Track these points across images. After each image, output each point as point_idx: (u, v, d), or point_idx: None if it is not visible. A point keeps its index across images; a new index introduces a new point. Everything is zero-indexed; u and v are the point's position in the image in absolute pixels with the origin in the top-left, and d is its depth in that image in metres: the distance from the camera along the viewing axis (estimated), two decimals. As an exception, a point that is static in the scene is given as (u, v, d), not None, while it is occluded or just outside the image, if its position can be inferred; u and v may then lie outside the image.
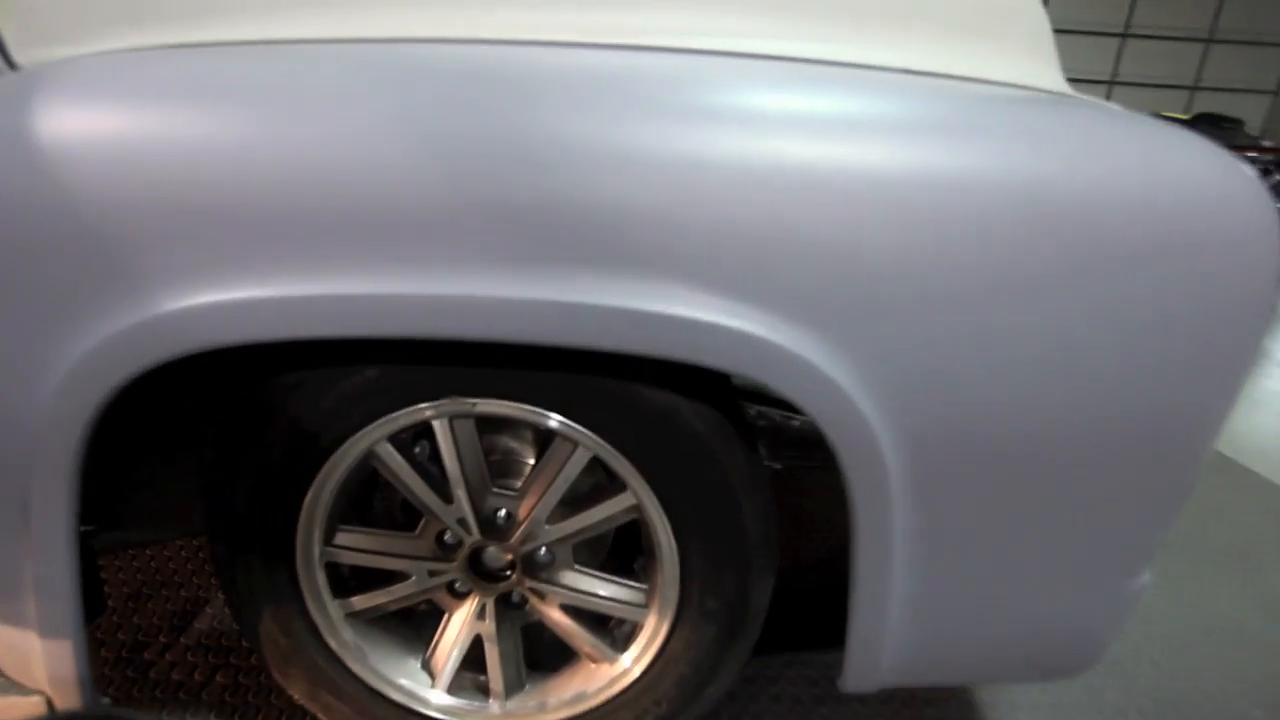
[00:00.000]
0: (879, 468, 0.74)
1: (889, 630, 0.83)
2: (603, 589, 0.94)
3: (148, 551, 1.51)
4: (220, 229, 0.68)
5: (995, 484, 0.76)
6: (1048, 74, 0.87)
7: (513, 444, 1.01)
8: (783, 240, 0.67)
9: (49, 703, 0.92)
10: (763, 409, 1.21)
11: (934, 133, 0.68)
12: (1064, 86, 0.88)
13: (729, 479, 0.84)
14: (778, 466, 1.51)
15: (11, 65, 0.74)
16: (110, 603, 1.38)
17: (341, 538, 0.92)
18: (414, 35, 0.76)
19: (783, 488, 1.82)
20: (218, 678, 1.21)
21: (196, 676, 1.22)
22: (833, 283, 0.68)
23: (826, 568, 1.52)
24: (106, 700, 0.95)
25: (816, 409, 0.71)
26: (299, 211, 0.67)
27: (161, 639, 1.30)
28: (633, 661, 0.95)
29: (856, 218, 0.67)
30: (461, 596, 0.96)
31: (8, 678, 0.94)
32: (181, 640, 1.29)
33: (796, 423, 1.18)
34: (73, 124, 0.69)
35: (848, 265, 0.68)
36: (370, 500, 1.06)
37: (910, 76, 0.76)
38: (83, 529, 1.01)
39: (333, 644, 0.95)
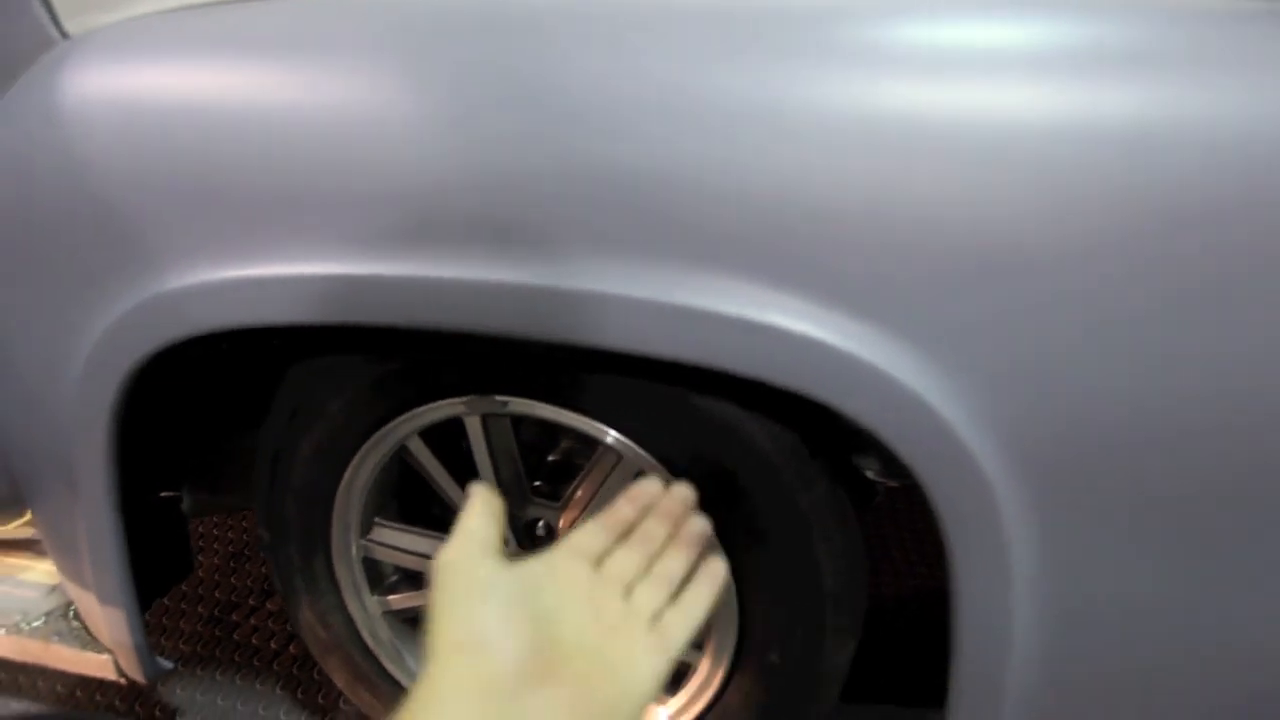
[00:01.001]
0: (989, 513, 0.55)
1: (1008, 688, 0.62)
2: (652, 621, 0.81)
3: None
4: (237, 202, 0.62)
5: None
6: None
7: (574, 446, 0.91)
8: (872, 225, 0.50)
9: (116, 663, 0.95)
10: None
11: (1117, 68, 0.48)
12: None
13: (801, 514, 0.68)
14: (894, 484, 1.30)
15: (64, 34, 0.73)
16: (216, 560, 1.45)
17: (378, 533, 0.86)
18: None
19: (899, 507, 1.60)
20: (290, 648, 1.23)
21: (273, 644, 1.24)
22: (936, 280, 0.50)
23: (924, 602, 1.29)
24: (170, 665, 0.96)
25: (908, 446, 0.54)
26: (324, 182, 0.59)
27: (250, 601, 1.34)
28: (681, 708, 0.82)
29: (972, 190, 0.49)
30: (501, 608, 0.88)
31: (89, 634, 0.98)
32: (266, 605, 1.32)
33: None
34: (109, 91, 0.65)
35: (973, 252, 0.50)
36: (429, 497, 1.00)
37: None
38: (168, 495, 1.04)
39: (369, 641, 0.90)
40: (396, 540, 0.86)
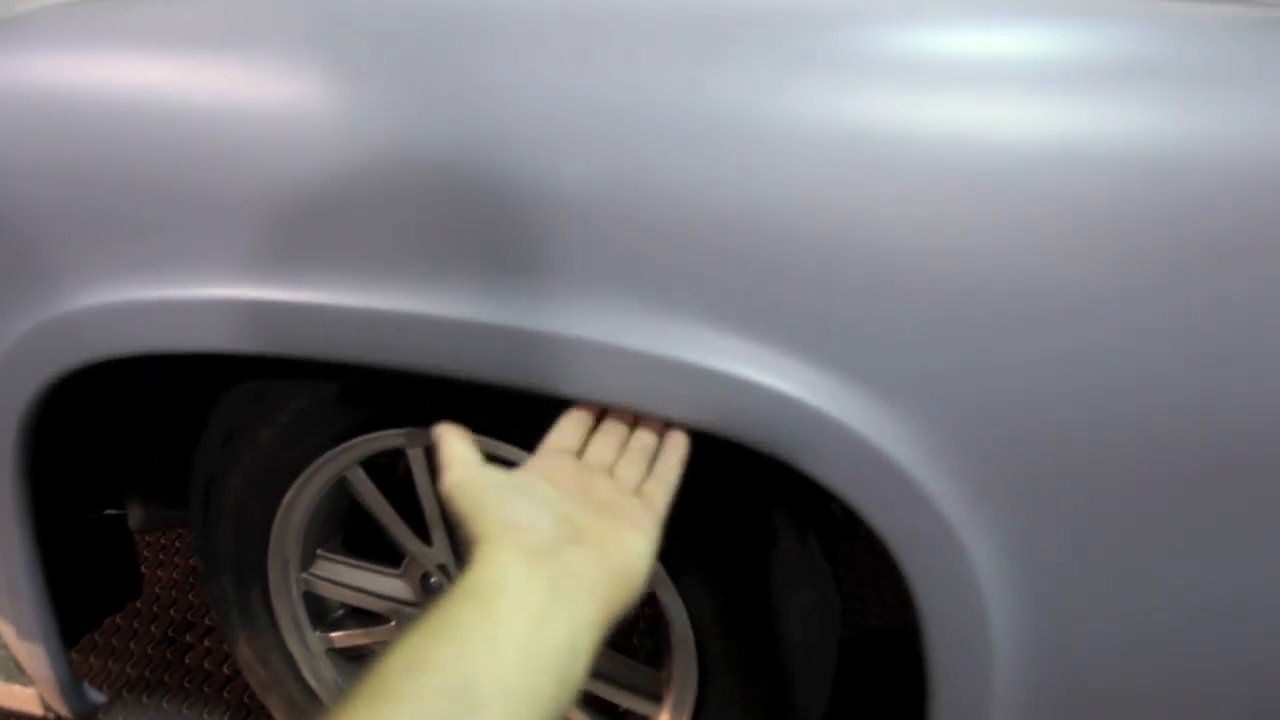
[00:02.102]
0: (968, 590, 0.49)
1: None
2: (608, 668, 0.76)
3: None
4: (136, 212, 0.56)
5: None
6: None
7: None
8: (821, 268, 0.44)
9: (42, 699, 0.89)
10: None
11: (1104, 81, 0.42)
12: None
13: (765, 564, 0.62)
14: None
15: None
16: (174, 574, 1.39)
17: (320, 566, 0.81)
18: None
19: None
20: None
21: (225, 669, 1.18)
22: (903, 317, 0.44)
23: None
24: (102, 699, 0.90)
25: (870, 504, 0.48)
26: (225, 194, 0.54)
27: (207, 621, 1.28)
28: (638, 762, 0.76)
29: (955, 219, 0.43)
30: (451, 648, 0.82)
31: (17, 666, 0.93)
32: (223, 626, 1.27)
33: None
34: (10, 88, 0.60)
35: (941, 287, 0.44)
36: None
37: None
38: (111, 513, 0.98)
39: (311, 680, 0.84)
40: (340, 575, 0.81)
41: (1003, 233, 0.42)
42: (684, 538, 0.62)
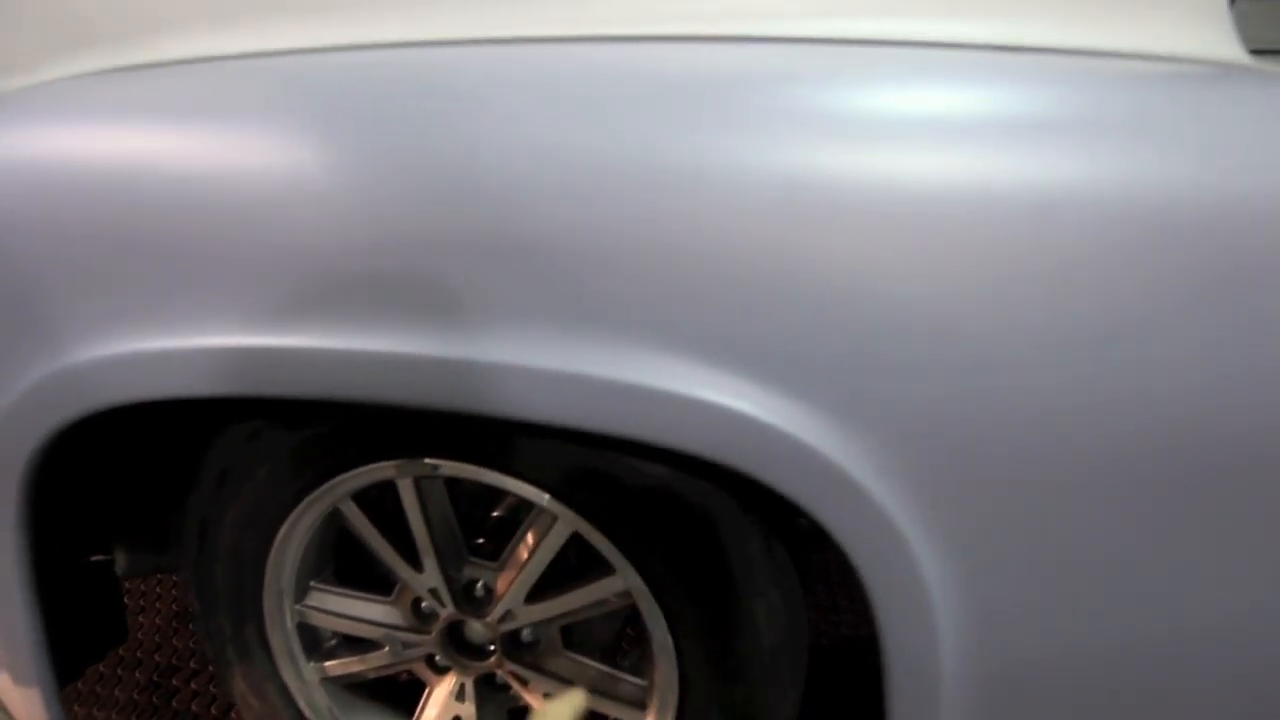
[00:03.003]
0: (905, 565, 0.55)
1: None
2: (595, 681, 0.80)
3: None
4: (133, 270, 0.60)
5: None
6: (1218, 39, 0.64)
7: (515, 503, 0.89)
8: (779, 294, 0.51)
9: (35, 744, 0.90)
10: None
11: (1037, 130, 0.49)
12: (1243, 56, 0.64)
13: (734, 569, 0.68)
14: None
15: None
16: (157, 620, 1.39)
17: (314, 597, 0.84)
18: (374, 40, 0.66)
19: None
20: (232, 715, 1.18)
21: (213, 710, 1.19)
22: (850, 342, 0.51)
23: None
24: (95, 743, 0.92)
25: (826, 511, 0.54)
26: (225, 252, 0.59)
27: (192, 664, 1.29)
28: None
29: (897, 251, 0.50)
30: (442, 672, 0.86)
31: (7, 712, 0.94)
32: (210, 669, 1.27)
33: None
34: (17, 157, 0.64)
35: (890, 320, 0.50)
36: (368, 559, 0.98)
37: (1011, 55, 0.56)
38: (98, 559, 1.00)
39: (306, 711, 0.87)
40: (334, 604, 0.84)
41: (929, 267, 0.49)
42: (660, 553, 0.67)
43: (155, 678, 1.26)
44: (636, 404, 0.52)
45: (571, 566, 0.80)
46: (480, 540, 0.84)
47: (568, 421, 0.55)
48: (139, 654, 1.31)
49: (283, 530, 0.78)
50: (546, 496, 0.69)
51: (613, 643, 0.91)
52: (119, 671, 1.27)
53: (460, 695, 0.84)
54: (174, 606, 1.43)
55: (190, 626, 1.37)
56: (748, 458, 0.52)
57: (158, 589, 1.47)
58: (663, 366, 0.52)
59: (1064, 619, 0.55)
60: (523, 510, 0.86)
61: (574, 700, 0.52)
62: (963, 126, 0.50)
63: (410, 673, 0.87)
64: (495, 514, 0.90)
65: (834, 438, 0.52)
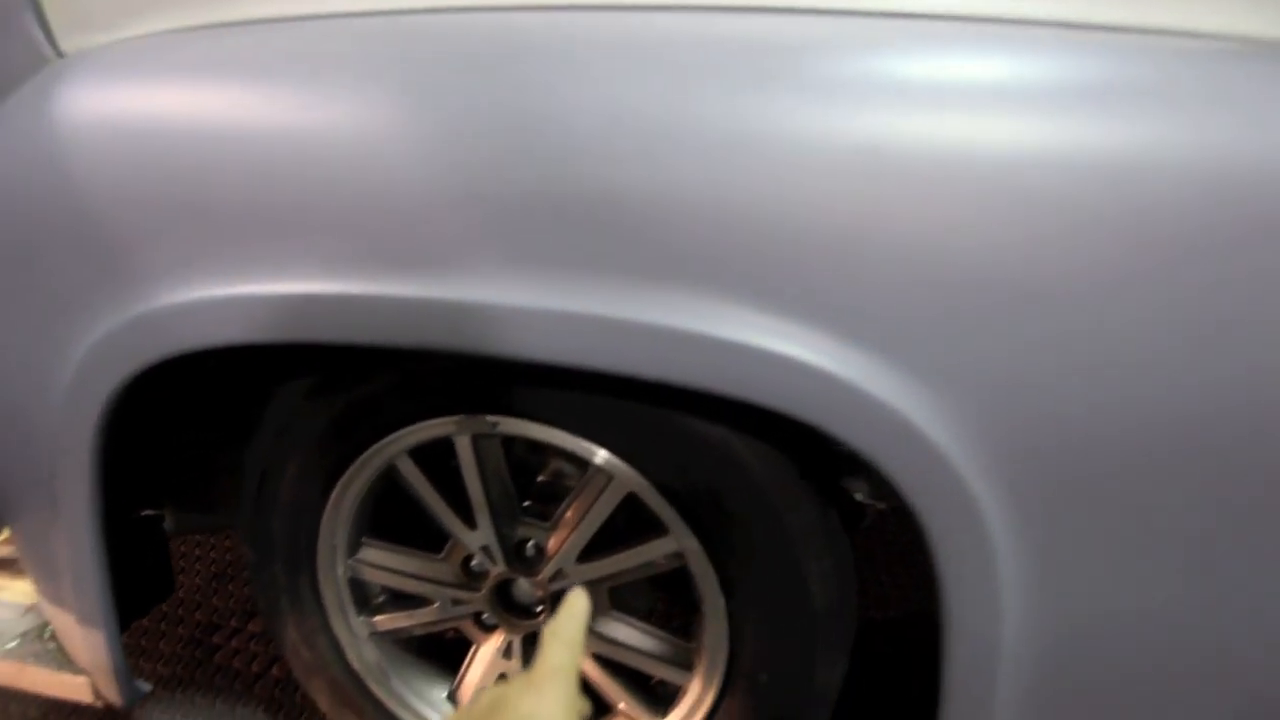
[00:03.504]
0: (976, 530, 0.55)
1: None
2: (640, 641, 0.81)
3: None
4: (221, 220, 0.62)
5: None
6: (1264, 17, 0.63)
7: (564, 465, 0.91)
8: (858, 249, 0.51)
9: (93, 686, 0.93)
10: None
11: (1085, 104, 0.50)
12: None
13: (790, 534, 0.68)
14: (881, 506, 1.30)
15: (59, 54, 0.73)
16: (197, 580, 1.43)
17: (366, 552, 0.86)
18: (456, 4, 0.66)
19: (885, 530, 1.60)
20: (273, 671, 1.20)
21: (254, 667, 1.22)
22: (931, 302, 0.51)
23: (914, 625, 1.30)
24: (148, 688, 0.94)
25: (896, 466, 0.54)
26: (305, 203, 0.60)
27: (232, 623, 1.32)
28: (665, 729, 0.81)
29: (967, 216, 0.50)
30: (489, 629, 0.87)
31: (66, 656, 0.96)
32: (249, 627, 1.30)
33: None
34: (99, 111, 0.66)
35: (961, 279, 0.50)
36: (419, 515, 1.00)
37: (1057, 31, 0.56)
38: (149, 514, 1.02)
39: (355, 663, 0.89)
40: (384, 560, 0.86)
41: (1012, 229, 0.49)
42: (717, 514, 0.68)
43: (196, 634, 1.29)
44: (718, 357, 0.53)
45: (617, 530, 0.81)
46: (526, 504, 0.85)
47: (641, 372, 0.55)
48: (180, 611, 1.34)
49: (340, 484, 0.80)
50: (603, 454, 0.70)
51: (650, 606, 0.92)
52: (162, 626, 1.30)
53: (507, 653, 0.86)
54: (212, 568, 1.46)
55: (228, 587, 1.40)
56: (825, 413, 0.53)
57: (196, 551, 1.50)
58: (744, 320, 0.52)
59: (1134, 602, 0.55)
60: (569, 476, 0.87)
61: (577, 604, 0.46)
62: (1039, 95, 0.50)
63: (457, 630, 0.89)
64: (540, 479, 0.91)
65: (912, 397, 0.52)
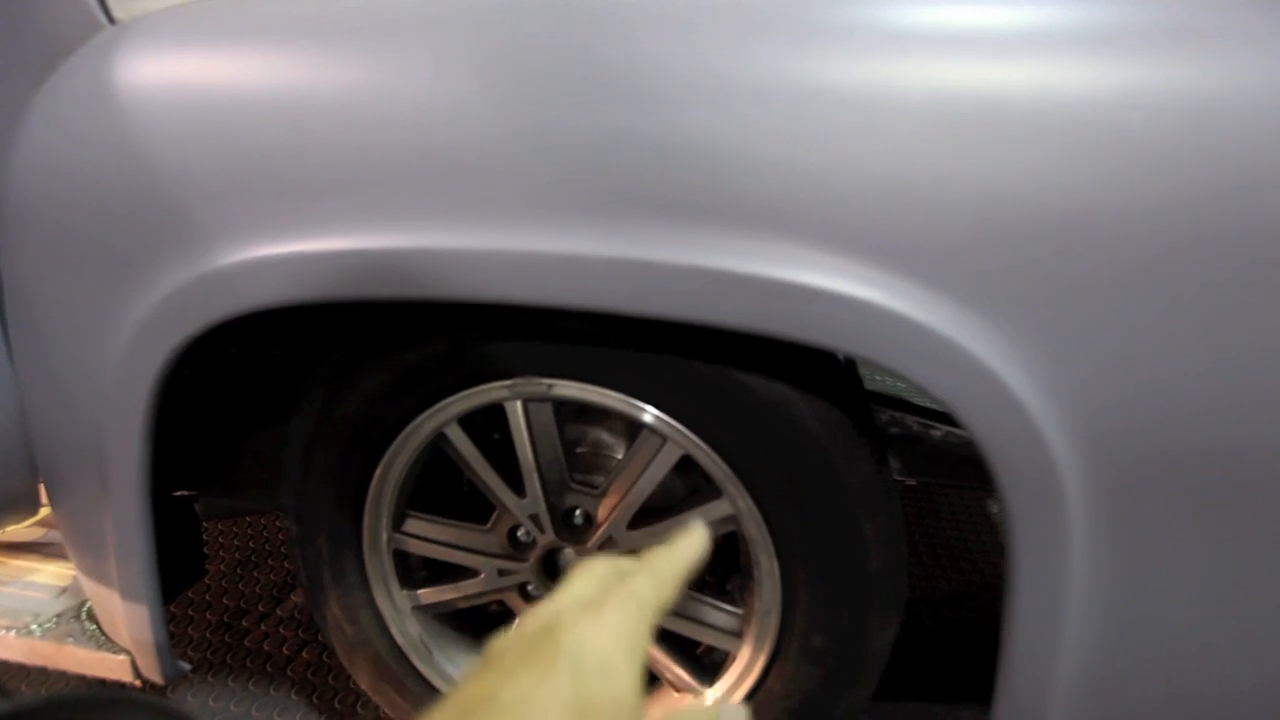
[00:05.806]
0: (1053, 497, 0.56)
1: (1054, 692, 0.62)
2: (690, 608, 0.81)
3: (263, 519, 1.56)
4: (287, 180, 0.62)
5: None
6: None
7: (604, 436, 0.90)
8: (941, 196, 0.51)
9: (134, 664, 0.92)
10: (896, 414, 1.03)
11: (1152, 41, 0.50)
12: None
13: (848, 493, 0.68)
14: (911, 482, 1.30)
15: (111, 20, 0.72)
16: (222, 566, 1.42)
17: (410, 525, 0.85)
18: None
19: (916, 507, 1.61)
20: (304, 654, 1.20)
21: (284, 650, 1.21)
22: (1008, 249, 0.51)
23: (968, 603, 1.30)
24: (188, 667, 0.94)
25: (972, 413, 0.54)
26: (368, 160, 0.60)
27: (260, 608, 1.31)
28: (720, 698, 0.81)
29: (1045, 162, 0.50)
30: (534, 601, 0.87)
31: (104, 633, 0.96)
32: (277, 611, 1.30)
33: (938, 433, 0.99)
34: (152, 76, 0.65)
35: (1034, 225, 0.51)
36: (461, 486, 0.99)
37: None
38: (183, 494, 1.02)
39: (398, 638, 0.89)
40: (430, 532, 0.85)
41: (1094, 175, 0.49)
42: (775, 473, 0.68)
43: (225, 619, 1.28)
44: (795, 303, 0.53)
45: (667, 497, 0.81)
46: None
47: (718, 320, 0.55)
48: (207, 597, 1.33)
49: (387, 454, 0.80)
50: (657, 414, 0.70)
51: (699, 574, 0.92)
52: (190, 612, 1.30)
53: (553, 623, 0.85)
54: (236, 554, 1.45)
55: (254, 573, 1.40)
56: (905, 358, 0.53)
57: (220, 538, 1.50)
58: (821, 264, 0.53)
59: (1199, 567, 0.54)
60: (609, 446, 0.87)
61: (693, 541, 0.37)
62: (1118, 38, 0.50)
63: (500, 603, 0.89)
64: (579, 450, 0.91)
65: (991, 343, 0.52)
